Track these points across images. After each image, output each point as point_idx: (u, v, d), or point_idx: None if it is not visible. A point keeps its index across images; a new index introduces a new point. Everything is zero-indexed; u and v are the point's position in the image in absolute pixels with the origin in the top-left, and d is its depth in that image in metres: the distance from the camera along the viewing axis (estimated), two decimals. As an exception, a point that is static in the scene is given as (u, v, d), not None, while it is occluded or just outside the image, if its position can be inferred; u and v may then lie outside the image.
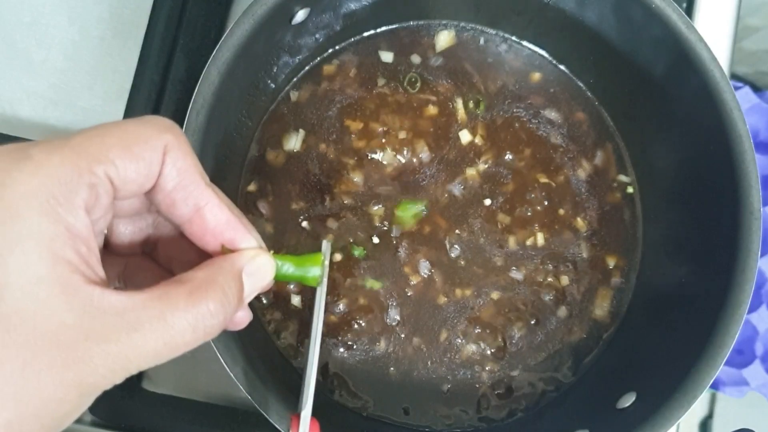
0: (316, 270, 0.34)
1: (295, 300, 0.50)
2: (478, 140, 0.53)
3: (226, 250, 0.30)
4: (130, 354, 0.25)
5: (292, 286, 0.50)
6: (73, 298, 0.25)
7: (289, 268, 0.34)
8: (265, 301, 0.50)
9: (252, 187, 0.51)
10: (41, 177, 0.24)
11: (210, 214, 0.30)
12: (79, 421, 0.51)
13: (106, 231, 0.33)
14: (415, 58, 0.54)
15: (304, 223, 0.51)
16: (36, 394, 0.24)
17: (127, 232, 0.33)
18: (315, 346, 0.36)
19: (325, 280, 0.35)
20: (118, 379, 0.26)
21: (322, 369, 0.49)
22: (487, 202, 0.52)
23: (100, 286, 0.26)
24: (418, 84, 0.53)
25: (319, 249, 0.35)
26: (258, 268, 0.31)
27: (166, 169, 0.28)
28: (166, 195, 0.29)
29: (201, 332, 0.27)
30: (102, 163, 0.26)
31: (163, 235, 0.34)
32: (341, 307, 0.50)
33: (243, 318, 0.33)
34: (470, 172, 0.52)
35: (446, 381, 0.50)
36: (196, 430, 0.50)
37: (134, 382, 0.52)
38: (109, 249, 0.33)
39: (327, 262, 0.35)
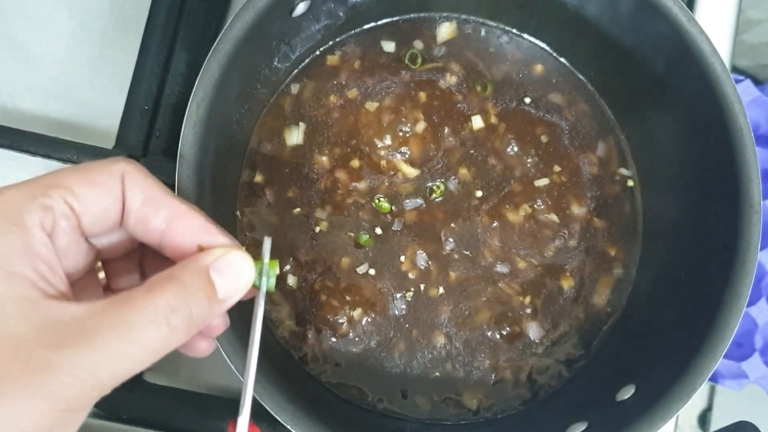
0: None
1: (291, 281, 0.50)
2: (493, 120, 0.53)
3: (200, 250, 0.30)
4: (94, 357, 0.25)
5: (288, 267, 0.50)
6: (30, 313, 0.25)
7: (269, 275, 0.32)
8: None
9: (257, 179, 0.51)
10: None
11: (183, 222, 0.29)
12: (81, 412, 0.51)
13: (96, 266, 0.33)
14: (418, 44, 0.54)
15: (298, 210, 0.51)
16: None
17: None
18: (254, 350, 0.33)
19: (265, 280, 0.32)
20: (90, 389, 0.25)
21: (326, 362, 0.49)
22: (481, 193, 0.52)
23: (60, 299, 0.26)
24: (419, 59, 0.54)
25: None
26: (228, 265, 0.29)
27: (128, 191, 0.29)
28: (136, 212, 0.29)
29: (165, 328, 0.27)
30: (57, 187, 0.27)
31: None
32: (347, 297, 0.50)
33: (217, 325, 0.33)
34: (474, 165, 0.52)
35: (440, 370, 0.50)
36: (197, 421, 0.51)
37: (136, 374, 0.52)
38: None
39: (267, 260, 0.32)
